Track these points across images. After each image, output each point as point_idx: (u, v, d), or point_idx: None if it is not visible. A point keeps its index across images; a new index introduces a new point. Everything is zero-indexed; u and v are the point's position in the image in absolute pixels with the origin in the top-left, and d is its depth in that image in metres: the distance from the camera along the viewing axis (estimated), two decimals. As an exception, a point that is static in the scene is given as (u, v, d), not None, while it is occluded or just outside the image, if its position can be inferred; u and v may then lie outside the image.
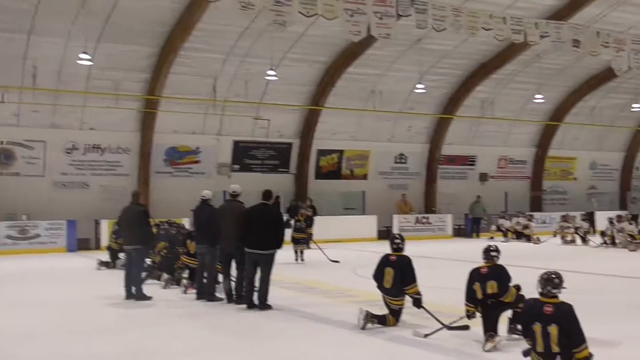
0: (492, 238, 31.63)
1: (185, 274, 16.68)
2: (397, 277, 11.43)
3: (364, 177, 36.29)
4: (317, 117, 33.42)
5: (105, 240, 26.43)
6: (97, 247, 28.17)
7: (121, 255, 20.05)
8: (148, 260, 17.41)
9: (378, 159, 36.43)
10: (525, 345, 8.23)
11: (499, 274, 10.31)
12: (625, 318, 12.34)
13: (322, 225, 28.75)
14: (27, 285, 18.41)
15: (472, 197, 36.70)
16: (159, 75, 28.67)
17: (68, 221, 28.26)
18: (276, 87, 31.25)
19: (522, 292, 10.27)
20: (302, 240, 23.64)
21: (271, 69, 28.14)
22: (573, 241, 30.43)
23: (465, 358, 9.45)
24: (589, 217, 33.66)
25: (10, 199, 28.00)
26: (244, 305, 13.61)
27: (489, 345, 9.68)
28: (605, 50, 26.60)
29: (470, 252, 22.84)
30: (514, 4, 28.44)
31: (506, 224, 33.60)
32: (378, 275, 11.72)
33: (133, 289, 15.02)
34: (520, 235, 32.47)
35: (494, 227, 34.06)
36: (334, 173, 35.41)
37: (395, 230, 31.75)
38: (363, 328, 11.17)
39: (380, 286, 11.68)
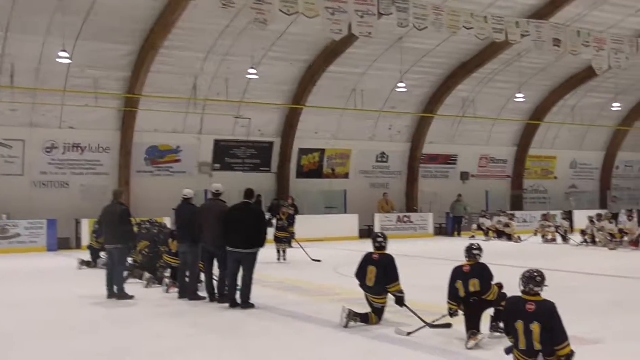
0: (473, 237, 31.68)
1: (167, 273, 16.65)
2: (379, 275, 11.43)
3: (345, 175, 36.30)
4: (298, 115, 33.39)
5: (85, 239, 26.34)
6: (78, 246, 28.06)
7: (102, 254, 20.01)
8: (129, 259, 17.36)
9: (359, 158, 36.45)
10: (507, 342, 8.27)
11: (481, 272, 10.34)
12: (606, 315, 12.39)
13: (303, 224, 28.68)
14: (7, 284, 18.28)
15: (453, 196, 36.77)
16: (139, 74, 28.54)
17: (48, 220, 28.08)
18: (257, 86, 31.23)
19: (504, 290, 10.29)
20: (284, 239, 23.59)
21: (252, 68, 28.10)
22: (553, 240, 30.55)
23: (447, 356, 9.45)
24: (568, 216, 33.77)
25: (-10, 198, 27.93)
26: (227, 304, 13.57)
27: (472, 342, 9.70)
28: (586, 49, 26.80)
29: (451, 251, 23.05)
30: (495, 2, 28.52)
31: (487, 222, 33.70)
32: (360, 274, 11.72)
33: (115, 288, 14.96)
34: (501, 234, 32.58)
35: (474, 226, 34.14)
36: (315, 172, 35.39)
37: (376, 229, 31.78)
38: (346, 326, 11.16)
39: (363, 284, 11.68)
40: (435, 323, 10.87)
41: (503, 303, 9.35)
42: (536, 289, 7.97)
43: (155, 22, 26.98)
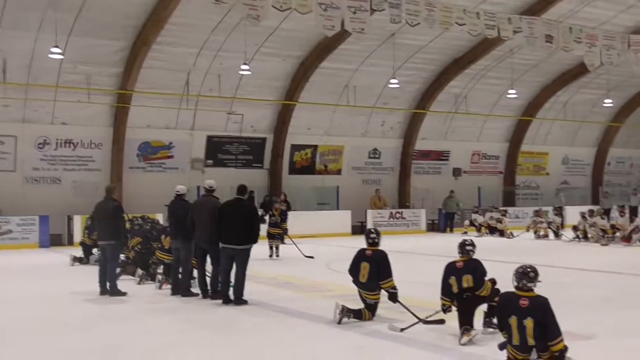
0: (465, 233, 31.62)
1: (160, 270, 16.62)
2: (373, 271, 11.44)
3: (338, 172, 36.27)
4: (291, 112, 33.33)
5: (78, 235, 26.27)
6: (70, 242, 28.00)
7: (94, 250, 20.00)
8: (122, 256, 17.36)
9: (352, 154, 36.43)
10: (500, 338, 8.29)
11: (475, 268, 10.36)
12: (599, 311, 12.44)
13: (296, 221, 28.70)
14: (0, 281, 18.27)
15: (446, 192, 36.79)
16: (131, 70, 28.44)
17: (40, 217, 28.02)
18: (250, 82, 31.16)
19: (497, 286, 10.31)
20: (277, 236, 23.57)
21: (245, 64, 28.02)
22: (546, 236, 30.61)
23: (441, 352, 9.46)
24: (559, 212, 33.78)
25: (-18, 195, 27.89)
26: (220, 301, 13.58)
27: (465, 338, 9.71)
28: (578, 45, 26.83)
29: (444, 247, 23.10)
30: (487, -1, 28.52)
31: (479, 218, 33.74)
32: (354, 270, 11.72)
33: (107, 285, 14.94)
34: (494, 230, 32.63)
35: (467, 222, 34.19)
36: (308, 168, 35.36)
37: (369, 226, 31.79)
38: (339, 322, 11.17)
39: (356, 280, 11.69)
40: (429, 319, 10.89)
41: (496, 299, 9.38)
42: (530, 284, 8.00)
43: (148, 18, 26.88)
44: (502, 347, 8.11)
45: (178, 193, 15.34)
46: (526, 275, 8.00)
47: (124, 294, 14.82)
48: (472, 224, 33.79)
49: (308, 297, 14.51)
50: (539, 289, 8.04)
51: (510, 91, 35.58)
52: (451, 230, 35.55)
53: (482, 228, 33.12)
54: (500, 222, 32.51)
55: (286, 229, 23.94)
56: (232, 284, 13.56)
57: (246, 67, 28.09)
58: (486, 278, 10.34)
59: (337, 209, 34.83)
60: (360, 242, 12.22)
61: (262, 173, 33.99)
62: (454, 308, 10.43)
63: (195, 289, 14.55)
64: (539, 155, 42.89)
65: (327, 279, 17.51)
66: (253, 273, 15.20)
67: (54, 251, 26.43)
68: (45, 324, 12.00)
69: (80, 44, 27.10)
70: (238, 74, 29.70)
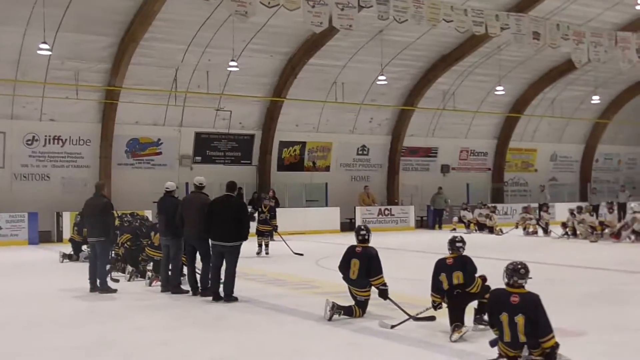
0: (454, 230, 31.78)
1: (150, 266, 16.61)
2: (363, 268, 11.43)
3: (327, 169, 36.30)
4: (279, 108, 33.34)
5: (67, 232, 26.24)
6: (59, 239, 27.90)
7: (84, 247, 19.97)
8: (112, 253, 17.33)
9: (340, 151, 36.46)
10: (492, 335, 8.31)
11: (465, 264, 10.36)
12: (589, 307, 12.48)
13: (285, 218, 28.64)
14: (-12, 278, 18.23)
15: (434, 189, 36.84)
16: (119, 66, 28.40)
17: (29, 213, 27.99)
18: (238, 78, 31.17)
19: (488, 283, 10.33)
20: (267, 233, 23.53)
21: (233, 60, 28.02)
22: (535, 232, 30.67)
23: (431, 349, 9.46)
24: (545, 209, 33.67)
25: (-30, 191, 27.82)
26: (210, 298, 13.57)
27: (456, 335, 9.71)
28: (565, 42, 26.93)
29: (433, 244, 23.14)
30: (475, -5, 28.57)
31: (468, 215, 33.78)
32: (344, 267, 11.72)
33: (97, 282, 14.92)
34: (483, 226, 32.66)
35: (456, 219, 34.23)
36: (296, 165, 35.38)
37: (358, 222, 31.81)
38: (330, 319, 11.17)
39: (346, 277, 11.68)
40: (419, 316, 10.90)
41: (487, 296, 9.40)
42: (520, 281, 8.02)
43: (136, 13, 26.86)
44: (493, 343, 8.13)
45: (167, 190, 15.31)
46: (517, 271, 8.02)
47: (114, 290, 14.81)
48: (460, 220, 33.84)
49: (298, 294, 14.51)
50: (528, 286, 8.07)
51: (498, 88, 35.64)
52: (440, 227, 35.65)
53: (471, 225, 33.15)
54: (490, 218, 32.52)
55: (276, 226, 23.87)
56: (222, 281, 13.55)
57: (234, 63, 28.09)
58: (476, 275, 10.36)
59: (326, 205, 34.85)
60: (350, 239, 12.23)
61: (250, 170, 33.99)
62: (444, 305, 10.44)
63: (185, 286, 14.54)
64: (527, 151, 43.04)
65: (317, 275, 17.49)
66: (243, 270, 15.23)
67: (43, 248, 26.41)
68: (35, 321, 11.96)
69: (69, 39, 27.08)
70: (226, 70, 29.72)
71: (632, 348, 9.46)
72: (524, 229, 31.17)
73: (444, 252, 10.78)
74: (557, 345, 7.76)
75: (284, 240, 23.46)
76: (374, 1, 21.82)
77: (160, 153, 31.80)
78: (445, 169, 39.73)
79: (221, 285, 13.53)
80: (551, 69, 38.25)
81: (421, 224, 37.30)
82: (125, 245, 17.85)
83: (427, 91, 36.22)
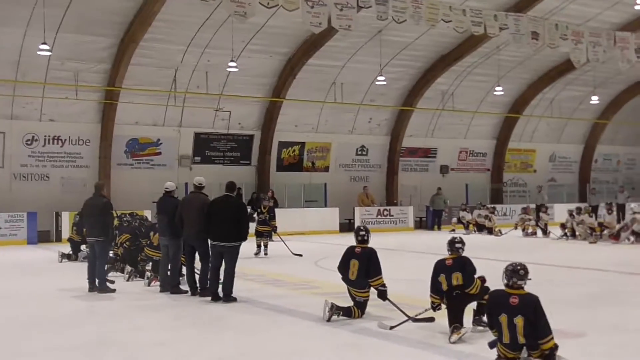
0: (453, 230, 31.76)
1: (149, 266, 16.60)
2: (362, 269, 11.41)
3: (326, 169, 36.31)
4: (278, 109, 33.36)
5: (66, 232, 26.25)
6: (58, 239, 27.94)
7: (83, 247, 19.98)
8: (111, 253, 17.33)
9: (339, 151, 36.46)
10: (491, 336, 8.31)
11: (464, 265, 10.35)
12: (588, 309, 12.45)
13: (283, 218, 28.61)
14: (-13, 278, 18.22)
15: (433, 190, 36.83)
16: (119, 66, 28.43)
17: (28, 213, 28.03)
18: (237, 79, 31.18)
19: (487, 284, 10.33)
20: (266, 233, 23.49)
21: (232, 61, 28.04)
22: (534, 233, 30.62)
23: (431, 350, 9.45)
24: (538, 210, 33.57)
25: (-31, 191, 27.83)
26: (209, 298, 13.56)
27: (455, 337, 9.69)
28: (564, 42, 26.93)
29: (432, 244, 23.12)
30: (473, -5, 28.58)
31: (467, 216, 33.76)
32: (343, 267, 11.69)
33: (96, 282, 14.92)
34: (482, 227, 32.63)
35: (455, 220, 34.19)
36: (296, 165, 35.39)
37: (357, 223, 31.82)
38: (328, 320, 11.16)
39: (345, 278, 11.66)
40: (418, 317, 10.88)
41: (486, 297, 9.40)
42: (520, 282, 8.01)
43: (136, 14, 26.91)
44: (492, 345, 8.13)
45: (167, 190, 15.30)
46: (516, 273, 8.02)
47: (113, 290, 14.81)
48: (460, 221, 33.80)
49: (297, 294, 14.50)
50: (527, 287, 8.06)
51: (497, 88, 35.66)
52: (439, 228, 35.65)
53: (470, 225, 33.13)
54: (490, 220, 32.49)
55: (275, 227, 23.82)
56: (221, 281, 13.55)
57: (233, 64, 28.12)
58: (476, 276, 10.35)
59: (325, 206, 34.84)
60: (349, 240, 12.22)
61: (249, 170, 34.00)
62: (443, 306, 10.42)
63: (184, 286, 14.53)
64: (526, 152, 43.05)
65: (316, 276, 17.49)
66: (242, 270, 15.21)
67: (42, 248, 26.42)
68: (34, 320, 11.97)
69: (69, 40, 27.13)
70: (225, 70, 29.75)
71: (631, 349, 9.46)
72: (523, 229, 31.13)
73: (443, 253, 10.78)
74: (556, 346, 7.76)
75: (283, 241, 23.42)
76: (372, 1, 21.83)
77: (159, 153, 31.83)
78: (444, 169, 39.74)
79: (220, 286, 13.53)
80: (550, 69, 38.26)
81: (420, 224, 37.31)
82: (124, 245, 17.84)
83: (426, 91, 36.22)
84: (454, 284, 10.26)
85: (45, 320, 11.99)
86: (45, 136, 29.25)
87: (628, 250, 24.19)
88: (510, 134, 41.21)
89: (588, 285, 15.58)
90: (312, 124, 35.22)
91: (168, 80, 30.25)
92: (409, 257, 22.24)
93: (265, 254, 22.76)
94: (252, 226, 20.48)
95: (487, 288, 9.99)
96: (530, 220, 31.35)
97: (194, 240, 14.17)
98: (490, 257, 18.35)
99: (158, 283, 15.15)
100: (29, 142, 28.94)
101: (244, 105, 32.78)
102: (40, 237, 28.30)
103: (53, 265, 20.49)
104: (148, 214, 25.66)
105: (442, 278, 10.37)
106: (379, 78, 32.09)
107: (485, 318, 9.48)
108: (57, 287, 15.69)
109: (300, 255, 22.24)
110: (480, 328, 10.14)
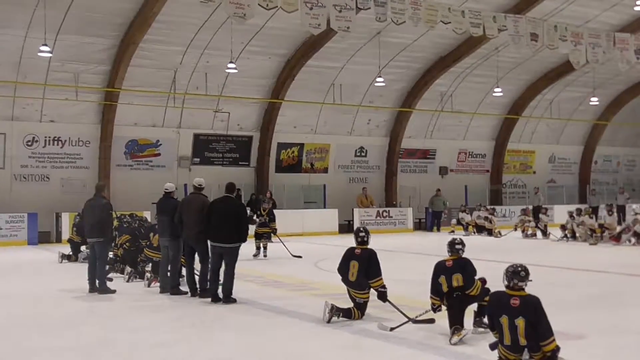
0: (452, 232, 31.69)
1: (149, 267, 16.59)
2: (362, 270, 11.41)
3: (325, 170, 36.28)
4: (277, 110, 33.34)
5: (66, 233, 26.28)
6: (58, 240, 27.92)
7: (83, 248, 19.99)
8: (111, 254, 17.33)
9: (338, 153, 36.44)
10: (491, 338, 8.30)
11: (464, 267, 10.35)
12: (589, 310, 12.47)
13: (283, 219, 28.51)
14: (-13, 279, 18.21)
15: (432, 191, 36.80)
16: (118, 68, 28.44)
17: (29, 214, 28.04)
18: (236, 80, 31.17)
19: (487, 286, 10.33)
20: (265, 235, 23.44)
21: (231, 62, 28.01)
22: (534, 235, 30.62)
23: (431, 351, 9.46)
24: (535, 212, 33.53)
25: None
26: (208, 299, 13.55)
27: (455, 338, 9.69)
28: (563, 43, 26.93)
29: (432, 246, 23.12)
30: (472, -3, 28.58)
31: (467, 217, 33.73)
32: (343, 269, 11.69)
33: (96, 282, 14.91)
34: (481, 229, 32.60)
35: (454, 221, 34.18)
36: (295, 166, 35.37)
37: (356, 224, 31.82)
38: (328, 321, 11.15)
39: (345, 279, 11.66)
40: (419, 318, 10.88)
41: (487, 298, 9.41)
42: (520, 284, 7.99)
43: (135, 16, 26.91)
44: (493, 347, 8.11)
45: (167, 191, 15.29)
46: (517, 274, 8.00)
47: (113, 291, 14.80)
48: (459, 222, 33.79)
49: (297, 295, 14.49)
50: (527, 289, 8.05)
51: (496, 89, 35.63)
52: (438, 229, 35.62)
53: (470, 227, 33.10)
54: (490, 221, 32.46)
55: (275, 229, 23.75)
56: (220, 282, 13.54)
57: (232, 65, 28.09)
58: (476, 277, 10.35)
59: (324, 207, 34.81)
60: (348, 241, 12.22)
61: (248, 171, 33.99)
62: (443, 307, 10.42)
63: (184, 287, 14.53)
64: (525, 153, 43.01)
65: (315, 277, 17.50)
66: (242, 272, 15.20)
67: (42, 248, 26.41)
68: (34, 321, 11.97)
69: (69, 41, 27.16)
70: (224, 72, 29.74)
71: (632, 351, 9.48)
72: (523, 231, 31.11)
73: (443, 254, 10.77)
74: (557, 348, 7.74)
75: (282, 242, 23.39)
76: (371, 3, 21.83)
77: (159, 154, 31.82)
78: (443, 170, 39.71)
79: (220, 287, 13.52)
80: (549, 70, 38.22)
81: (419, 226, 37.30)
82: (124, 246, 17.86)
83: (425, 93, 36.19)
84: (454, 285, 10.26)
85: (45, 321, 11.99)
86: (45, 137, 29.26)
87: (629, 251, 24.24)
88: (510, 135, 41.17)
89: (589, 286, 15.60)
90: (311, 125, 35.21)
91: (167, 82, 30.27)
92: (408, 259, 22.23)
93: (265, 255, 22.67)
94: (252, 228, 20.43)
95: (488, 289, 10.00)
96: (530, 221, 31.33)
97: (193, 241, 14.16)
98: (490, 258, 18.36)
99: (158, 284, 15.15)
100: (29, 143, 28.95)
101: (243, 106, 32.78)
102: (41, 237, 28.30)
103: (53, 266, 20.49)
104: (148, 215, 25.69)
105: (442, 279, 10.37)
106: (378, 79, 32.08)
107: (485, 319, 9.47)
108: (57, 288, 15.70)
109: (300, 256, 22.22)
110: (481, 329, 10.14)
